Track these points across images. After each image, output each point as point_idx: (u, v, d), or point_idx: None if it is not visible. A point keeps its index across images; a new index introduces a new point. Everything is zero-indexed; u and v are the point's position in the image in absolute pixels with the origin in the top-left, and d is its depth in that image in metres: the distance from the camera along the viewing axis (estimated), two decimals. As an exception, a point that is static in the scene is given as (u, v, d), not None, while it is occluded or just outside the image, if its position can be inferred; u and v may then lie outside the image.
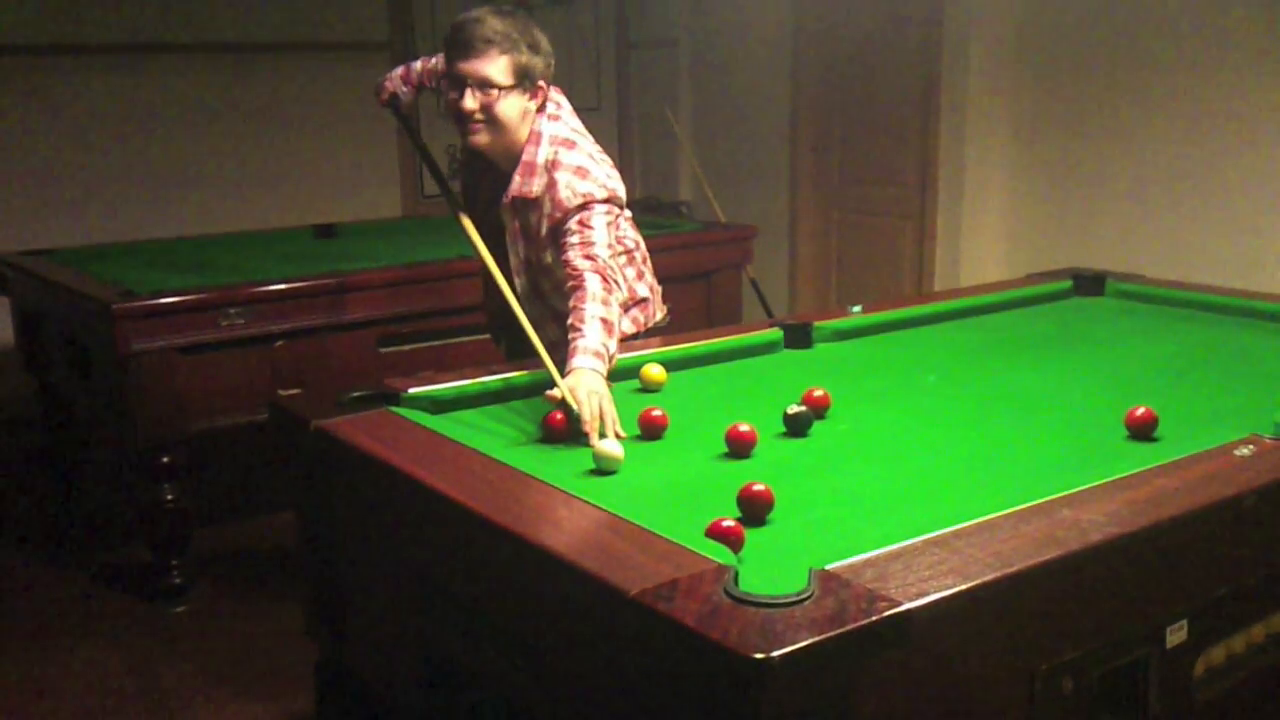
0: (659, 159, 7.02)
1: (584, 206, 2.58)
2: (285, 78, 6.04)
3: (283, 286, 3.70)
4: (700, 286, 4.54)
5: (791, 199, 6.27)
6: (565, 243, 2.56)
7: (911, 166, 5.63)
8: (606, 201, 2.62)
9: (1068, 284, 3.49)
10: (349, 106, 6.18)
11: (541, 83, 2.65)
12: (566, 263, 2.53)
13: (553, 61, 2.67)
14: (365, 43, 6.23)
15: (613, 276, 2.52)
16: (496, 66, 2.57)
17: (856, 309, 3.15)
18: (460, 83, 2.59)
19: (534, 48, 2.61)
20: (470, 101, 2.58)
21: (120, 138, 5.66)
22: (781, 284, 6.32)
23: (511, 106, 2.61)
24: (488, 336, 3.26)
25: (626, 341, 2.82)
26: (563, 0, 6.78)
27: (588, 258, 2.51)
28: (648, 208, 6.29)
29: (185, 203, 5.79)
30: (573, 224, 2.56)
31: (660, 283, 3.10)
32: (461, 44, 2.58)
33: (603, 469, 2.03)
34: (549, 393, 2.26)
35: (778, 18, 6.15)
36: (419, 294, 3.89)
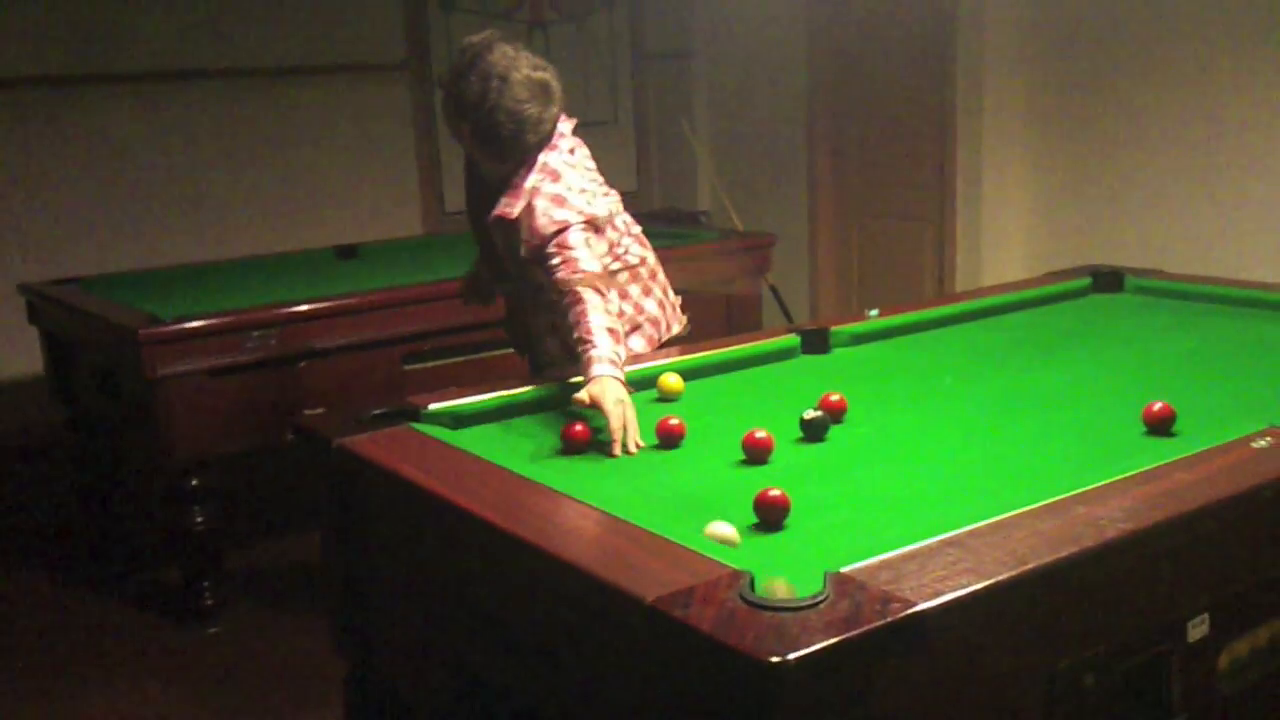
0: (677, 169, 7.05)
1: (560, 232, 2.61)
2: (303, 101, 6.10)
3: (306, 308, 3.74)
4: (719, 296, 4.55)
5: (810, 205, 6.28)
6: (550, 267, 2.59)
7: (929, 169, 5.63)
8: (584, 225, 2.65)
9: (1086, 282, 3.49)
10: (368, 128, 6.24)
11: None
12: (556, 284, 2.57)
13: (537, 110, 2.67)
14: (382, 64, 6.28)
15: (602, 287, 2.55)
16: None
17: (874, 313, 3.15)
18: None
19: None
20: None
21: (142, 165, 5.74)
22: (802, 290, 6.33)
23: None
24: (509, 351, 3.30)
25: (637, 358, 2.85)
26: (577, 15, 6.83)
27: (575, 273, 2.54)
28: (667, 218, 6.31)
29: (208, 227, 5.86)
30: (552, 248, 2.60)
31: (679, 293, 3.12)
32: None
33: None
34: (578, 395, 2.29)
35: (791, 25, 6.17)
36: (441, 311, 3.91)
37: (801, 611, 1.41)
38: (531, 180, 2.68)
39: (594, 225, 2.71)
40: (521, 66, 2.64)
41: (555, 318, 2.68)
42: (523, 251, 2.71)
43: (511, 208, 2.69)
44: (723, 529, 1.75)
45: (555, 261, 2.58)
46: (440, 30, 6.42)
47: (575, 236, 2.61)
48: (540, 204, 2.65)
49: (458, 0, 6.45)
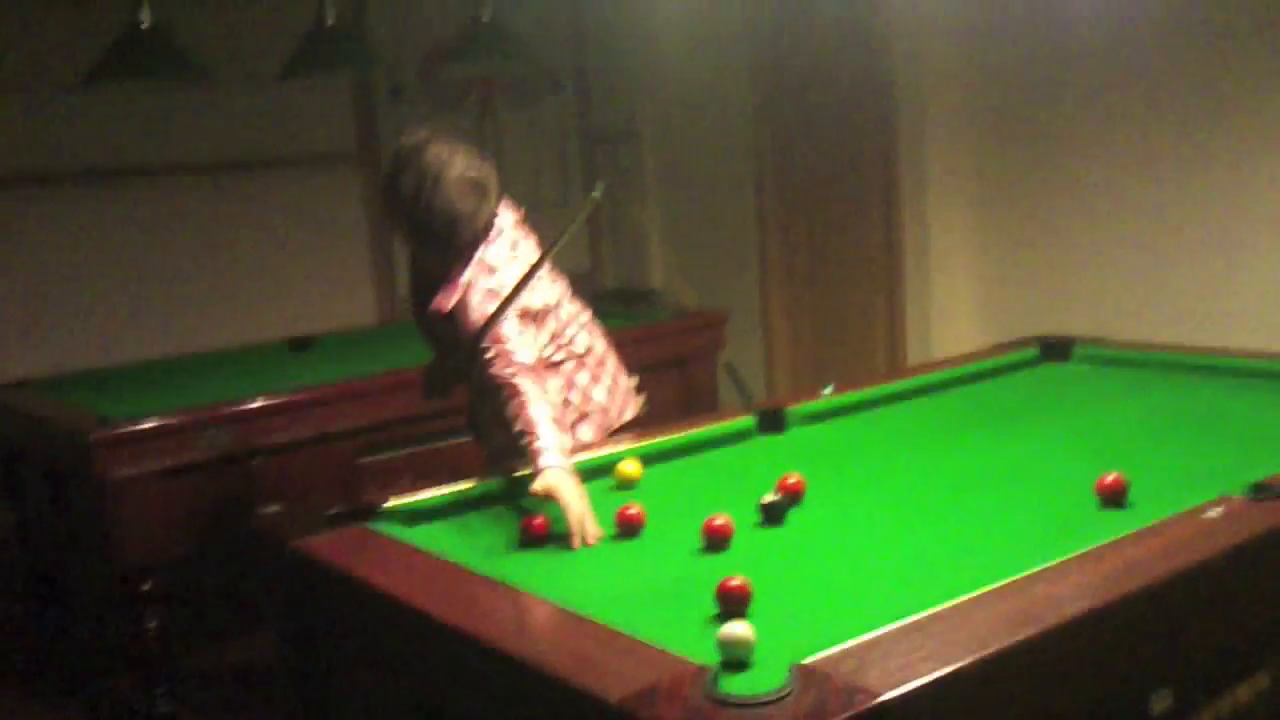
0: (628, 249, 7.10)
1: (490, 324, 2.63)
2: (252, 193, 6.09)
3: (259, 403, 3.70)
4: (674, 375, 4.57)
5: (762, 282, 6.33)
6: (485, 361, 2.60)
7: (877, 242, 5.71)
8: (519, 317, 2.67)
9: (1034, 352, 3.53)
10: (318, 217, 6.23)
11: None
12: (492, 377, 2.57)
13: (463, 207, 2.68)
14: (332, 154, 6.30)
15: (540, 378, 2.58)
16: None
17: (827, 390, 3.17)
18: None
19: None
20: None
21: (91, 264, 5.68)
22: (758, 366, 6.36)
23: None
24: (465, 440, 3.28)
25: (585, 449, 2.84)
26: (526, 102, 6.90)
27: (509, 366, 2.55)
28: (619, 298, 6.34)
29: (159, 324, 5.79)
30: (486, 341, 2.61)
31: (633, 374, 3.11)
32: None
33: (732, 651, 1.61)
34: (534, 489, 2.27)
35: (736, 105, 6.26)
36: (395, 402, 3.88)
37: (767, 707, 1.40)
38: (467, 275, 2.71)
39: (530, 316, 2.73)
40: (456, 164, 2.66)
41: (496, 409, 2.66)
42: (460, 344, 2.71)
43: (447, 300, 2.71)
44: (736, 631, 1.59)
45: (490, 355, 2.59)
46: (389, 119, 6.45)
47: (509, 328, 2.62)
48: (474, 298, 2.67)
49: (406, 90, 6.51)
